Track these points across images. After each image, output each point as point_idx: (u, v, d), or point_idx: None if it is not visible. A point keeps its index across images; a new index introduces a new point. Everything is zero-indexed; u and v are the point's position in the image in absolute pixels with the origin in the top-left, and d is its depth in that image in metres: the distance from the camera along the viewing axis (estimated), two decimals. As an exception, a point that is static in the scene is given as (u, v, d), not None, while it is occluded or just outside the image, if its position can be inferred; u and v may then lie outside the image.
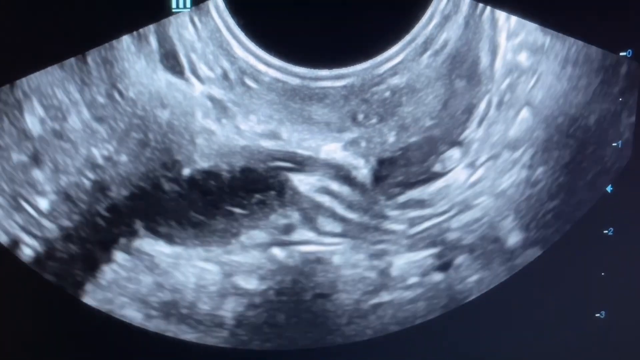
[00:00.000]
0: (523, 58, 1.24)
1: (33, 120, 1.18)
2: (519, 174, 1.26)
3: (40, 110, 1.18)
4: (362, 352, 1.31)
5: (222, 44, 1.22)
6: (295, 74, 1.27)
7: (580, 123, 1.26)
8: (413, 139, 1.25)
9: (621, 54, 1.25)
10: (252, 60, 1.25)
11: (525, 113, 1.25)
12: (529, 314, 1.33)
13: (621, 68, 1.25)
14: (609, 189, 1.29)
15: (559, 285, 1.32)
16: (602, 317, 1.34)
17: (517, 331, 1.33)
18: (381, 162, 1.26)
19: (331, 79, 1.28)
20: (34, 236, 1.21)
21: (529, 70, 1.24)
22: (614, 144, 1.28)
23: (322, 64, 1.26)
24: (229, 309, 1.27)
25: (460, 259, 1.28)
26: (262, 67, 1.26)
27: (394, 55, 1.27)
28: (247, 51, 1.25)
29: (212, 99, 1.23)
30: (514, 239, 1.28)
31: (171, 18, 1.19)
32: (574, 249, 1.31)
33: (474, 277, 1.29)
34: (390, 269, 1.28)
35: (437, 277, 1.29)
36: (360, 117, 1.25)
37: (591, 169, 1.28)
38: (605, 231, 1.31)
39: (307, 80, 1.27)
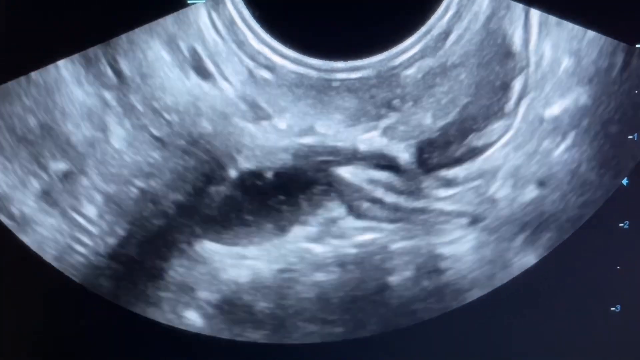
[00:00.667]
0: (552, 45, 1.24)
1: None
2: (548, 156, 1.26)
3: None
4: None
5: (238, 37, 1.23)
6: (310, 66, 1.27)
7: (597, 113, 1.25)
8: (450, 119, 1.25)
9: (637, 45, 1.24)
10: (268, 53, 1.25)
11: (557, 93, 1.24)
12: (544, 308, 1.32)
13: (637, 60, 1.24)
14: (624, 182, 1.28)
15: (574, 279, 1.31)
16: (617, 310, 1.32)
17: (531, 325, 1.32)
18: (421, 145, 1.26)
19: (347, 70, 1.28)
20: (86, 247, 1.23)
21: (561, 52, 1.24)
22: (629, 137, 1.27)
23: (337, 56, 1.26)
24: (288, 305, 1.27)
25: (505, 236, 1.28)
26: (277, 59, 1.26)
27: (409, 46, 1.27)
28: (262, 43, 1.25)
29: (244, 99, 1.24)
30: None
31: (187, 10, 1.20)
32: (589, 243, 1.29)
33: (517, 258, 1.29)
34: (444, 249, 1.28)
35: (486, 253, 1.28)
36: (396, 102, 1.25)
37: (608, 161, 1.27)
38: (621, 224, 1.29)
39: (322, 72, 1.28)
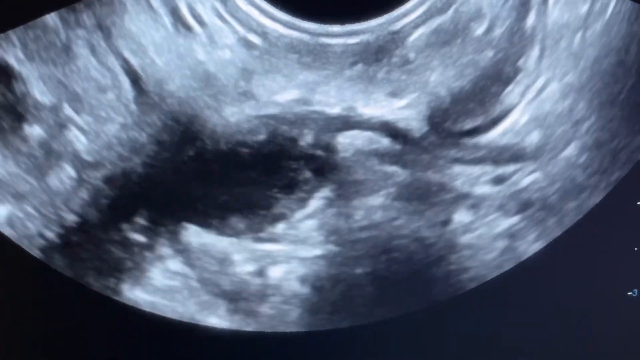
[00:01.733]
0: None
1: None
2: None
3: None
4: (438, 315, 1.23)
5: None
6: (304, 30, 1.20)
7: (615, 89, 1.18)
8: (464, 81, 1.17)
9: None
10: (257, 16, 1.18)
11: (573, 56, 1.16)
12: (557, 292, 1.26)
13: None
14: (643, 157, 1.23)
15: (590, 262, 1.25)
16: (634, 295, 1.27)
17: (544, 310, 1.26)
18: (433, 111, 1.17)
19: (344, 35, 1.21)
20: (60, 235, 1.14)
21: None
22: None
23: (333, 19, 1.19)
24: (301, 288, 1.19)
25: (516, 213, 1.20)
26: (267, 22, 1.19)
27: (413, 8, 1.19)
28: (250, 4, 1.18)
29: (232, 64, 1.15)
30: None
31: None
32: (606, 223, 1.24)
33: (532, 236, 1.21)
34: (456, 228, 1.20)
35: (498, 233, 1.20)
36: (398, 64, 1.17)
37: (626, 136, 1.20)
38: (639, 202, 1.23)
39: (317, 36, 1.20)
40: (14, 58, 1.09)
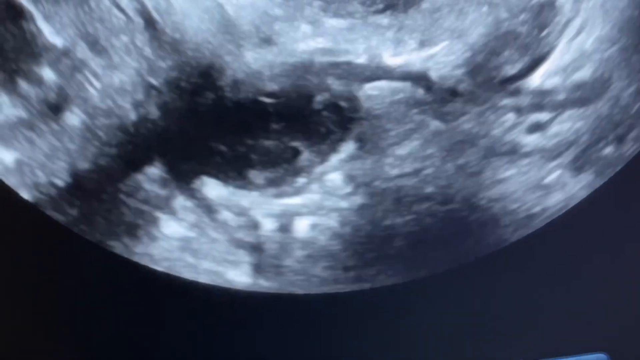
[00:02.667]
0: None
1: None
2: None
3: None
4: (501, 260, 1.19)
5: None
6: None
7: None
8: (499, 28, 1.12)
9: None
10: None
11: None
12: (581, 258, 1.22)
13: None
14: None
15: (612, 228, 1.21)
16: None
17: (568, 275, 1.22)
18: (467, 59, 1.12)
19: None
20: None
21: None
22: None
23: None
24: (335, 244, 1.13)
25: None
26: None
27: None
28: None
29: (257, 7, 1.09)
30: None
31: None
32: (628, 189, 1.20)
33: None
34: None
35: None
36: (431, 10, 1.12)
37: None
38: None
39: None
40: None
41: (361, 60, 1.12)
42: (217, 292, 1.12)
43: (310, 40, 1.11)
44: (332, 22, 1.12)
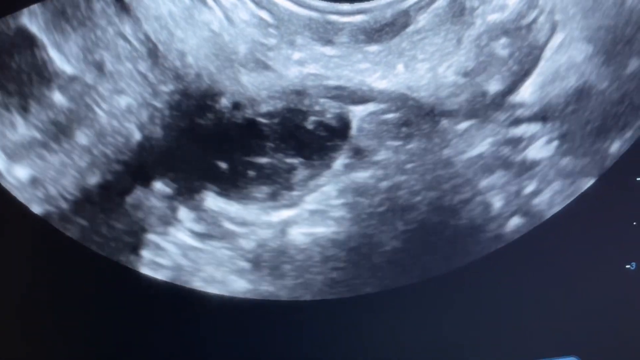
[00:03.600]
0: None
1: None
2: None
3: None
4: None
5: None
6: (314, 8, 1.22)
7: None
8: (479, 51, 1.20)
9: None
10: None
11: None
12: (554, 264, 1.27)
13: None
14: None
15: (588, 235, 1.27)
16: (632, 268, 1.29)
17: (541, 282, 1.28)
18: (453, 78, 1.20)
19: (353, 14, 1.23)
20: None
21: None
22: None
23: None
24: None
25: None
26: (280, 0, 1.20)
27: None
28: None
29: (242, 39, 1.16)
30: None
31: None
32: (604, 197, 1.25)
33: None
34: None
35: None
36: (414, 36, 1.19)
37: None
38: (638, 178, 1.25)
39: (327, 14, 1.22)
40: (36, 27, 1.10)
41: (351, 83, 1.19)
42: (218, 299, 1.18)
43: (301, 66, 1.18)
44: (323, 50, 1.19)
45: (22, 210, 1.14)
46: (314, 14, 1.22)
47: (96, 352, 1.19)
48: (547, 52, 1.20)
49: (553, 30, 1.19)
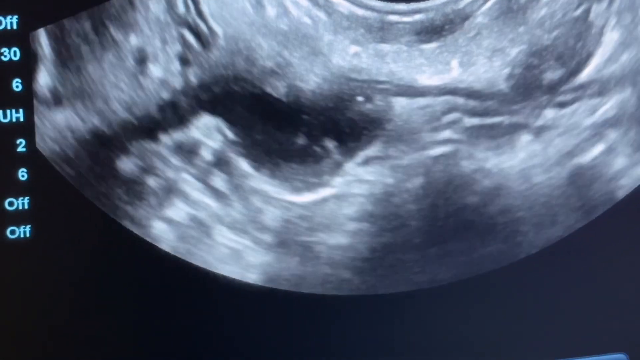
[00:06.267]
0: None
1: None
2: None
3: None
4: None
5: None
6: (370, 8, 1.21)
7: None
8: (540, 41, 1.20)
9: None
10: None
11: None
12: (606, 260, 1.30)
13: None
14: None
15: (628, 237, 1.30)
16: None
17: (592, 278, 1.31)
18: (509, 75, 1.20)
19: (409, 13, 1.22)
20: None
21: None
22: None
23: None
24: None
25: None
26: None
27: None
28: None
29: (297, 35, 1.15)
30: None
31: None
32: None
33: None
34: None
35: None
36: (482, 31, 1.19)
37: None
38: None
39: (383, 14, 1.21)
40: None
41: (402, 79, 1.20)
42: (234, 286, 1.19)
43: (354, 59, 1.18)
44: (378, 47, 1.19)
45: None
46: (370, 13, 1.21)
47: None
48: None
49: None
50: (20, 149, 1.10)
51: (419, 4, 1.23)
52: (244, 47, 1.14)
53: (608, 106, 1.23)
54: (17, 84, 1.08)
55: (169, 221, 1.17)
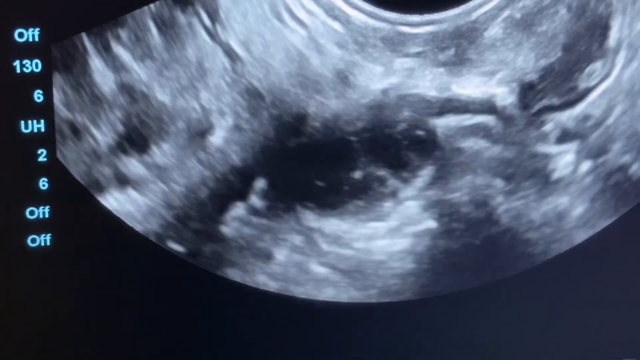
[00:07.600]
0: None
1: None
2: None
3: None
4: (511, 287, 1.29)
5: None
6: (384, 19, 1.22)
7: None
8: (553, 59, 1.21)
9: None
10: (342, 5, 1.20)
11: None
12: (622, 267, 1.31)
13: None
14: None
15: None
16: None
17: (605, 284, 1.31)
18: (525, 87, 1.21)
19: (422, 25, 1.24)
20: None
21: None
22: None
23: (412, 9, 1.21)
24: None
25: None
26: (350, 11, 1.21)
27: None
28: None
29: (316, 50, 1.17)
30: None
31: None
32: None
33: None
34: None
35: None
36: (495, 42, 1.21)
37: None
38: None
39: (397, 25, 1.23)
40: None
41: (432, 93, 1.21)
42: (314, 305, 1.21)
43: (383, 79, 1.19)
44: (399, 61, 1.21)
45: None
46: (384, 25, 1.23)
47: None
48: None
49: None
50: (41, 158, 1.11)
51: (432, 16, 1.24)
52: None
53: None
54: (38, 95, 1.10)
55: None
